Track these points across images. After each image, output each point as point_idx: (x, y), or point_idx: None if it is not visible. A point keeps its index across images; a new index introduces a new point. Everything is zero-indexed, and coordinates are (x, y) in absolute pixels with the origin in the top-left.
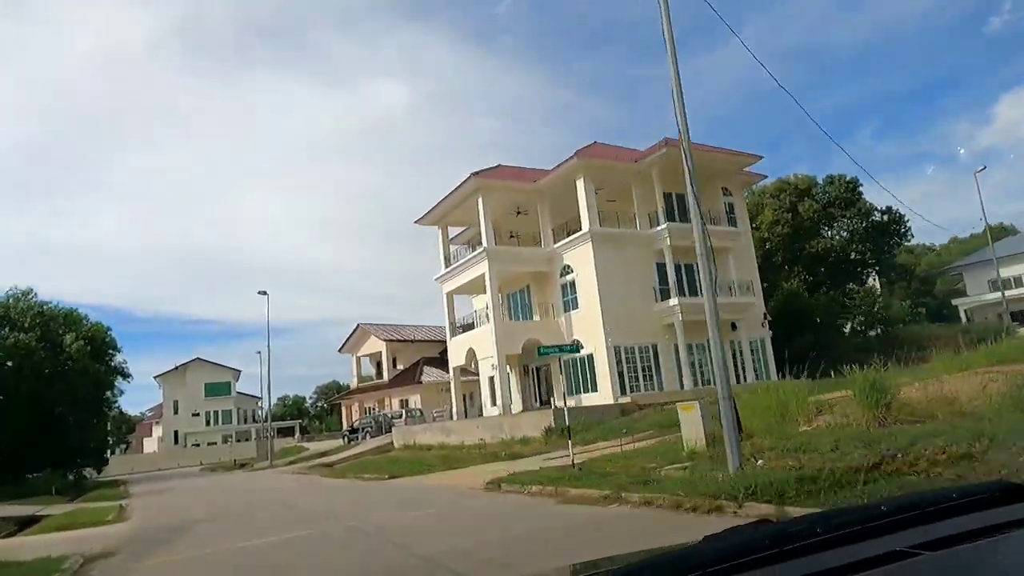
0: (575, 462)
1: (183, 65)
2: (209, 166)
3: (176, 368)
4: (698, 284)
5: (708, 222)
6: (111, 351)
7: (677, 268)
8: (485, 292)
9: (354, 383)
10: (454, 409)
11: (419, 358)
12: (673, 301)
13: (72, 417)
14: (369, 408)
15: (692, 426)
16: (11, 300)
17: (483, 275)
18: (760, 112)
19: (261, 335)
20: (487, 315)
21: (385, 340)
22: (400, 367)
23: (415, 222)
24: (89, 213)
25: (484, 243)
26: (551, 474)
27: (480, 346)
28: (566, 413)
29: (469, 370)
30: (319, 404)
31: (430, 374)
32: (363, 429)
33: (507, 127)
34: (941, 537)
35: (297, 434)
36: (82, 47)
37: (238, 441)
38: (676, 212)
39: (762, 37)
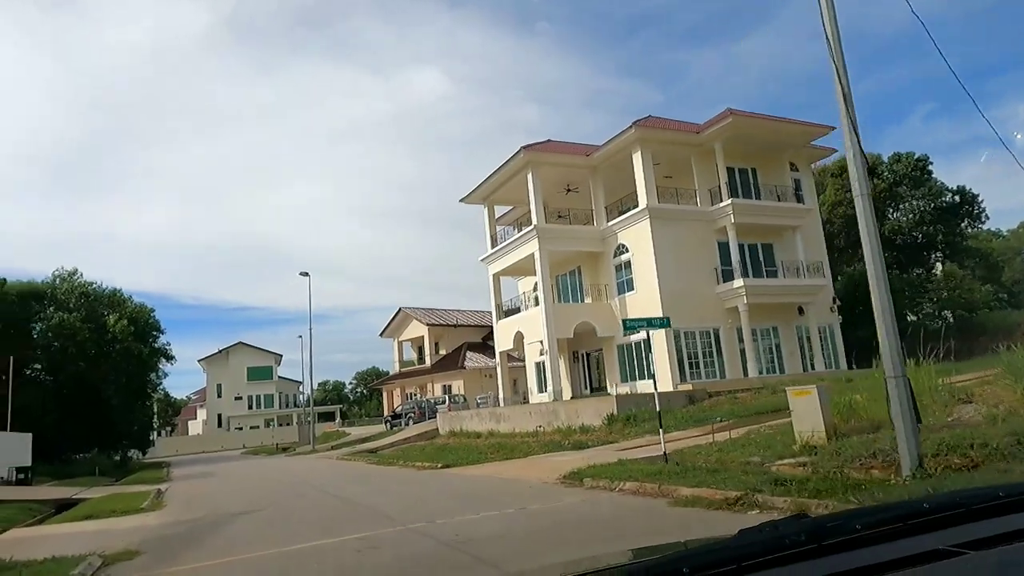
0: (665, 453)
1: (229, 57)
2: (250, 156)
3: (220, 352)
4: (763, 265)
5: (775, 198)
6: (154, 332)
7: (741, 248)
8: (534, 273)
9: (395, 368)
10: (501, 395)
11: (462, 343)
12: (737, 283)
13: (117, 398)
14: (411, 394)
15: (807, 414)
16: (57, 280)
17: (532, 255)
18: (793, 97)
19: (302, 321)
20: (536, 298)
21: (427, 324)
22: (442, 352)
23: (460, 200)
24: (135, 203)
25: (534, 220)
26: (642, 468)
27: (529, 330)
28: (656, 398)
29: (514, 356)
30: (359, 390)
31: (473, 359)
32: (406, 415)
33: (546, 113)
34: (986, 536)
35: (338, 419)
36: (136, 42)
37: (280, 425)
38: (740, 188)
39: (802, 17)
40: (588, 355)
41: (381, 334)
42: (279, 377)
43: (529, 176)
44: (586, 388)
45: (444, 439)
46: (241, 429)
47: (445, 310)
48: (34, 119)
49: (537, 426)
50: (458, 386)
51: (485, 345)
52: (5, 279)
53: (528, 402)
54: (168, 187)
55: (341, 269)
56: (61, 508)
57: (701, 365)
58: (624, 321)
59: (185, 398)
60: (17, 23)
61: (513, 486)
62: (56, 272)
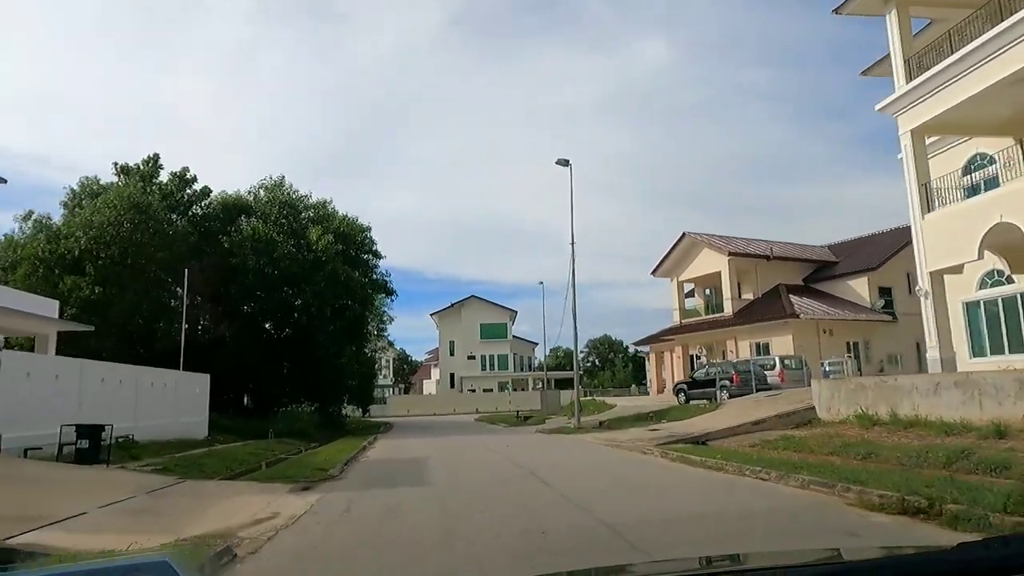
0: None
1: (459, 51)
2: (481, 139)
3: (452, 305)
4: None
5: None
6: (368, 256)
7: None
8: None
9: (676, 318)
10: (936, 353)
11: (775, 285)
12: None
13: (323, 336)
14: (695, 355)
15: None
16: (261, 190)
17: None
18: None
19: (528, 295)
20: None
21: (728, 255)
22: (746, 297)
23: (836, 10)
24: (386, 186)
25: None
26: None
27: None
28: None
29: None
30: (591, 359)
31: (805, 307)
32: (719, 382)
33: (778, 75)
34: None
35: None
36: (382, 46)
37: (515, 390)
38: None
39: None
40: None
41: (654, 272)
42: (513, 337)
43: None
44: None
45: (850, 428)
46: (474, 391)
47: (748, 239)
48: (306, 115)
49: None
50: (784, 344)
51: (809, 289)
52: (209, 188)
53: (955, 370)
54: (412, 171)
55: (566, 246)
56: None
57: None
58: None
59: (424, 357)
60: (298, 38)
61: None
62: (262, 181)
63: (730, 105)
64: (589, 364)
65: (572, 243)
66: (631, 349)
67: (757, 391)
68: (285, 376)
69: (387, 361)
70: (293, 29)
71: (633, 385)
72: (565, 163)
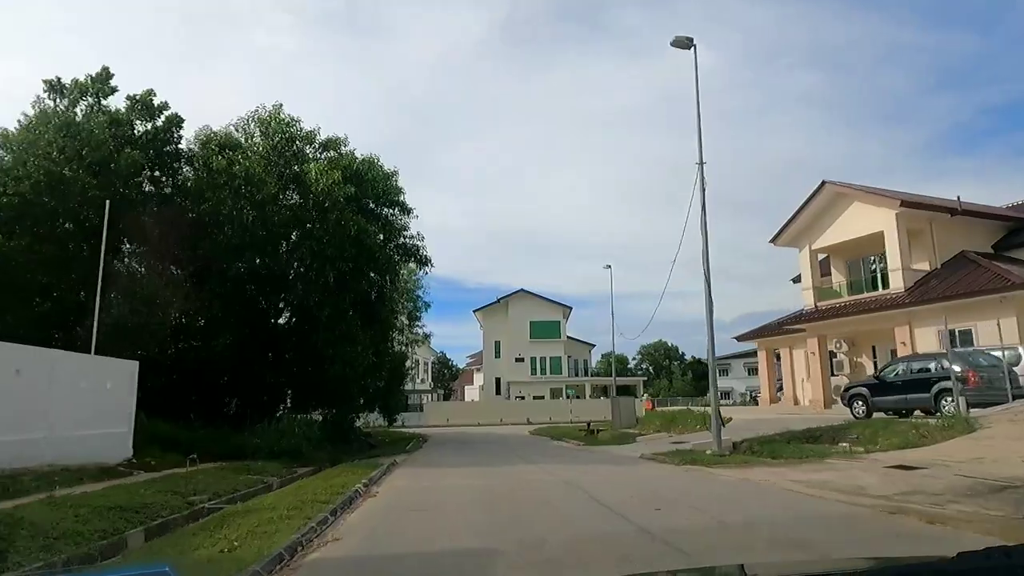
0: None
1: (501, 59)
2: (523, 147)
3: (498, 301)
4: None
5: None
6: (393, 210)
7: None
8: None
9: (809, 299)
10: None
11: (958, 252)
12: None
13: (326, 314)
14: (833, 351)
15: None
16: (252, 123)
17: None
18: None
19: (572, 303)
20: None
21: (898, 206)
22: (918, 267)
23: None
24: (427, 193)
25: None
26: None
27: None
28: None
29: None
30: (643, 366)
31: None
32: (936, 386)
33: (829, 78)
34: None
35: (644, 395)
36: (425, 55)
37: (572, 397)
38: None
39: None
40: None
41: (774, 239)
42: (567, 337)
43: None
44: None
45: None
46: (523, 398)
47: (920, 196)
48: (351, 123)
49: None
50: (996, 330)
51: (1004, 258)
52: (181, 117)
53: None
54: (452, 178)
55: (608, 256)
56: None
57: None
58: None
59: (466, 362)
60: (339, 52)
61: None
62: (254, 111)
63: (776, 108)
64: (640, 372)
65: (700, 163)
66: (690, 356)
67: (1018, 398)
68: (283, 372)
69: (424, 362)
70: (334, 39)
71: (708, 394)
72: (687, 44)
